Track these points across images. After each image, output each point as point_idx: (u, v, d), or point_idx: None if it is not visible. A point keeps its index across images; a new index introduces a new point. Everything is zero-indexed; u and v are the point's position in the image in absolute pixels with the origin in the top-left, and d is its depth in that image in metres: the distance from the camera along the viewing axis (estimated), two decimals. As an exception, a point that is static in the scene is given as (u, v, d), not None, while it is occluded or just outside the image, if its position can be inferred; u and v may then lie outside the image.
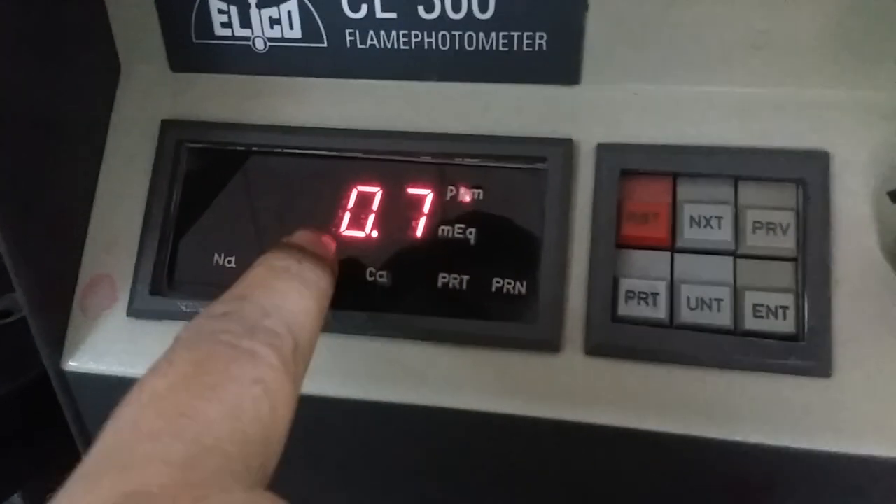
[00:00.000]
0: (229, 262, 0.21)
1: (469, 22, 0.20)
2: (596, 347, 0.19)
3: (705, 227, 0.19)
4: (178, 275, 0.22)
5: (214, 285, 0.21)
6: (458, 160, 0.21)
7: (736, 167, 0.19)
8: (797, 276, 0.19)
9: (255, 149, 0.22)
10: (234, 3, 0.21)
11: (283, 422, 0.14)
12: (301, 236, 0.18)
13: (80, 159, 0.23)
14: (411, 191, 0.21)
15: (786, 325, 0.18)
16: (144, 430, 0.12)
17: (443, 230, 0.20)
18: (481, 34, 0.21)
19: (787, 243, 0.19)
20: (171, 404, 0.13)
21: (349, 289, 0.19)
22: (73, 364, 0.22)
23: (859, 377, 0.18)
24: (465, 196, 0.21)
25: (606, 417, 0.19)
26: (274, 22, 0.21)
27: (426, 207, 0.21)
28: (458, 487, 0.22)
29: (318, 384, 0.19)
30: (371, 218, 0.21)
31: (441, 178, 0.21)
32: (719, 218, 0.19)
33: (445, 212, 0.21)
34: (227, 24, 0.22)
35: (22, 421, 0.30)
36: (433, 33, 0.21)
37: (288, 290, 0.16)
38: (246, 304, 0.15)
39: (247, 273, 0.16)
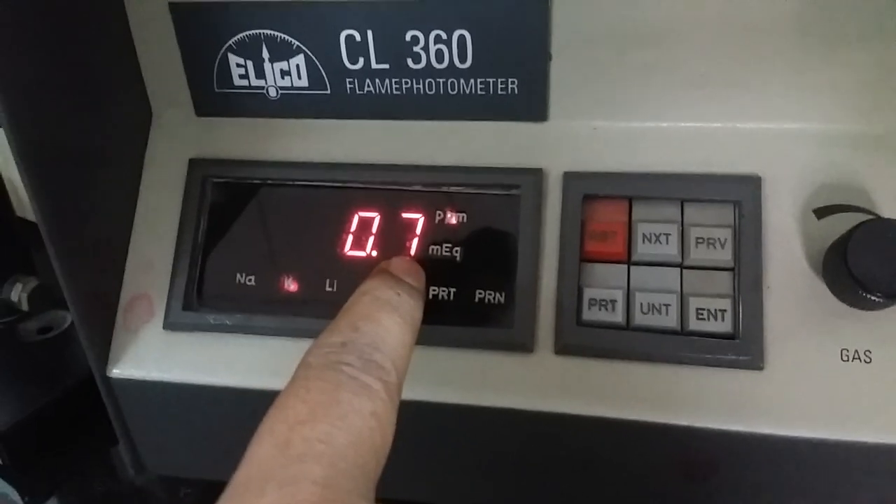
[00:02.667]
0: (250, 280, 0.25)
1: (451, 71, 0.24)
2: (564, 348, 0.22)
3: (656, 243, 0.22)
4: (206, 292, 0.25)
5: (237, 300, 0.24)
6: (444, 188, 0.24)
7: (682, 191, 0.23)
8: (734, 283, 0.22)
9: (269, 182, 0.25)
10: (249, 58, 0.25)
11: (387, 448, 0.16)
12: (399, 265, 0.20)
13: (119, 192, 0.26)
14: (405, 215, 0.24)
15: (724, 326, 0.21)
16: (293, 452, 0.15)
17: (433, 249, 0.24)
18: (462, 80, 0.24)
19: (724, 256, 0.22)
20: (312, 430, 0.15)
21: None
22: (117, 371, 0.25)
23: (787, 369, 0.21)
24: (452, 219, 0.24)
25: (573, 407, 0.22)
26: (284, 73, 0.25)
27: (418, 230, 0.24)
28: (448, 475, 0.25)
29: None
30: (371, 240, 0.24)
31: (430, 205, 0.24)
32: (667, 235, 0.22)
33: (435, 233, 0.24)
34: (245, 76, 0.25)
35: (59, 428, 0.33)
36: (420, 80, 0.24)
37: (391, 325, 0.18)
38: (359, 337, 0.17)
39: (354, 301, 0.18)
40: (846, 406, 0.21)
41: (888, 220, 0.19)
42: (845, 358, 0.21)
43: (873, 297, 0.19)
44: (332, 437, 0.15)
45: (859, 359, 0.21)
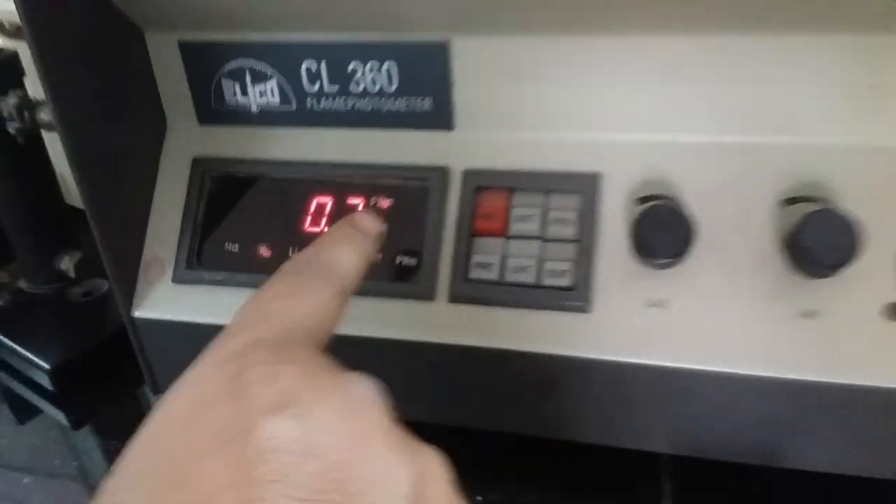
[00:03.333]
0: (235, 248, 0.34)
1: (382, 92, 0.32)
2: (455, 297, 0.31)
3: (525, 222, 0.31)
4: (204, 256, 0.34)
5: (226, 262, 0.33)
6: (377, 181, 0.33)
7: (546, 184, 0.31)
8: (576, 251, 0.30)
9: (251, 175, 0.34)
10: (237, 82, 0.34)
11: (331, 331, 0.22)
12: (360, 215, 0.25)
13: (141, 182, 0.35)
14: (350, 201, 0.33)
15: (565, 282, 0.30)
16: (259, 314, 0.20)
17: None
18: (390, 99, 0.32)
19: (571, 231, 0.30)
20: (276, 301, 0.20)
21: None
22: (139, 313, 0.34)
23: (608, 313, 0.29)
24: (383, 203, 0.33)
25: (461, 340, 0.30)
26: (262, 94, 0.34)
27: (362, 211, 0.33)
28: None
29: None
30: (324, 219, 0.33)
31: (367, 193, 0.33)
32: (533, 216, 0.31)
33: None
34: (234, 95, 0.34)
35: (97, 367, 0.42)
36: (360, 99, 0.33)
37: (349, 253, 0.23)
38: (323, 256, 0.23)
39: (324, 235, 0.24)
40: (649, 339, 0.29)
41: (665, 204, 0.27)
42: (648, 304, 0.29)
43: (657, 261, 0.27)
44: (290, 307, 0.20)
45: (658, 305, 0.29)
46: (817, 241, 0.26)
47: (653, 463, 0.34)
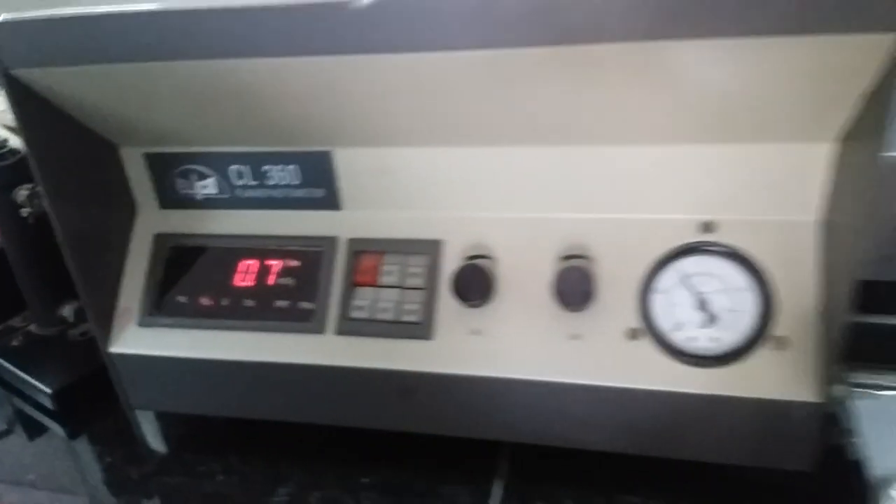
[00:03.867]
0: (184, 299, 0.46)
1: (289, 185, 0.45)
2: (340, 331, 0.43)
3: (390, 275, 0.43)
4: (161, 306, 0.46)
5: (177, 310, 0.46)
6: (287, 247, 0.45)
7: (404, 248, 0.43)
8: (424, 296, 0.42)
9: (198, 245, 0.47)
10: (186, 179, 0.46)
11: None
12: None
13: (117, 253, 0.47)
14: (267, 262, 0.45)
15: (415, 318, 0.42)
16: None
17: (281, 280, 0.45)
18: (296, 190, 0.45)
19: (420, 282, 0.42)
20: None
21: (235, 310, 0.44)
22: (113, 349, 0.46)
23: (445, 339, 0.41)
24: (292, 264, 0.45)
25: (344, 362, 0.42)
26: (204, 187, 0.46)
27: (275, 270, 0.45)
28: (277, 400, 0.46)
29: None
30: (249, 275, 0.45)
31: (281, 256, 0.45)
32: (395, 271, 0.43)
33: (283, 272, 0.45)
34: (185, 188, 0.47)
35: (90, 390, 0.54)
36: (274, 190, 0.45)
37: None
38: None
39: None
40: (472, 357, 0.41)
41: (474, 263, 0.40)
42: (471, 332, 0.41)
43: (471, 302, 0.40)
44: None
45: (478, 333, 0.41)
46: (563, 287, 0.38)
47: (495, 448, 0.46)
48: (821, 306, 0.37)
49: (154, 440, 0.51)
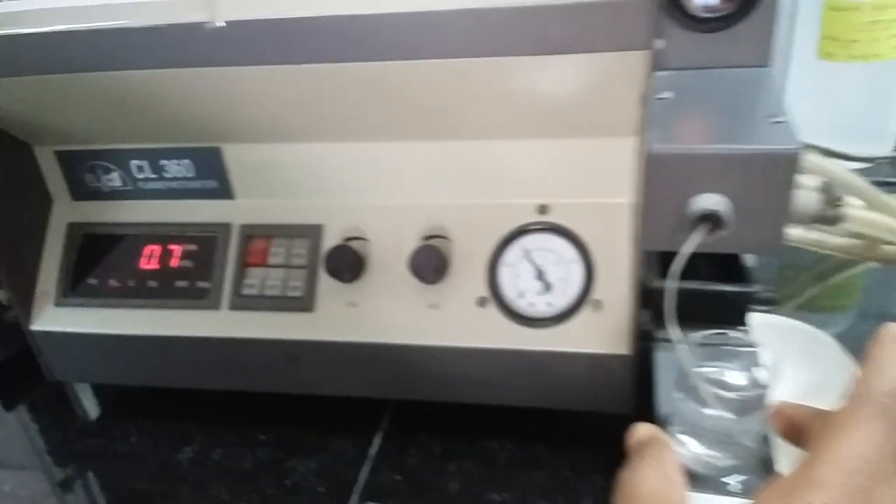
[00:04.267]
0: (94, 282, 0.51)
1: (185, 178, 0.50)
2: (233, 307, 0.49)
3: (277, 257, 0.49)
4: (75, 289, 0.52)
5: (88, 292, 0.51)
6: (186, 233, 0.51)
7: (289, 232, 0.49)
8: (306, 275, 0.48)
9: (106, 234, 0.52)
10: (94, 174, 0.52)
11: None
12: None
13: (36, 242, 0.53)
14: (170, 247, 0.51)
15: (299, 293, 0.48)
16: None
17: (181, 263, 0.50)
18: (191, 181, 0.50)
19: (303, 262, 0.48)
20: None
21: (140, 290, 0.49)
22: (34, 327, 0.52)
23: (325, 311, 0.47)
24: (191, 248, 0.51)
25: (238, 334, 0.48)
26: (109, 181, 0.52)
27: (175, 254, 0.51)
28: (181, 369, 0.52)
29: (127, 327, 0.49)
30: (153, 259, 0.51)
31: (180, 242, 0.51)
32: (281, 253, 0.49)
33: (182, 255, 0.51)
34: (94, 182, 0.52)
35: (23, 365, 0.59)
36: (171, 182, 0.51)
37: None
38: None
39: None
40: (348, 326, 0.47)
41: (344, 245, 0.46)
42: (347, 305, 0.47)
43: (344, 278, 0.46)
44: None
45: (353, 305, 0.47)
46: (416, 264, 0.44)
47: (379, 405, 0.52)
48: (631, 274, 0.43)
49: (84, 408, 0.56)
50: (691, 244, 0.37)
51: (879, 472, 0.24)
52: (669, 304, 0.37)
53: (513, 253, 0.46)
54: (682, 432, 0.37)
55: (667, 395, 0.40)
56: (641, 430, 0.35)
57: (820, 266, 0.66)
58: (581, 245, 0.45)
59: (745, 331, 0.39)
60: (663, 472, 0.31)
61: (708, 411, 0.35)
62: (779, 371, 0.35)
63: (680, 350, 0.36)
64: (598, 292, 0.44)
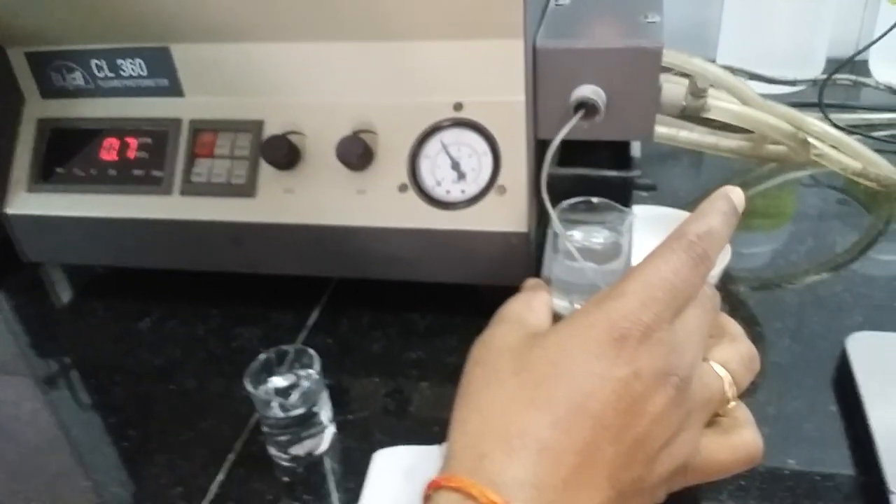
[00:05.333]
0: (62, 170, 0.57)
1: (139, 77, 0.56)
2: (183, 192, 0.55)
3: (223, 148, 0.55)
4: (45, 175, 0.57)
5: (57, 179, 0.57)
6: (141, 127, 0.56)
7: (234, 127, 0.55)
8: (249, 165, 0.54)
9: (72, 128, 0.58)
10: (59, 73, 0.57)
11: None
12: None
13: (11, 133, 0.58)
14: (127, 139, 0.57)
15: (242, 181, 0.54)
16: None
17: (137, 154, 0.56)
18: (144, 80, 0.56)
19: (247, 154, 0.54)
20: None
21: (102, 178, 0.55)
22: (8, 211, 0.58)
23: (265, 197, 0.54)
24: (145, 140, 0.56)
25: (188, 216, 0.55)
26: (74, 79, 0.57)
27: (132, 146, 0.56)
28: (141, 250, 0.58)
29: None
30: (112, 151, 0.57)
31: (136, 135, 0.56)
32: (227, 145, 0.55)
33: (140, 147, 0.56)
34: (60, 81, 0.57)
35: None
36: (127, 80, 0.56)
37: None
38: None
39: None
40: (287, 209, 0.53)
41: (281, 134, 0.52)
42: (285, 191, 0.53)
43: (280, 167, 0.52)
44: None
45: (291, 191, 0.53)
46: (342, 151, 0.50)
47: (321, 282, 0.59)
48: (527, 162, 0.50)
49: (57, 291, 0.63)
50: (567, 128, 0.43)
51: (678, 291, 0.30)
52: (542, 180, 0.43)
53: (432, 146, 0.52)
54: (558, 289, 0.44)
55: (548, 264, 0.46)
56: (528, 281, 0.41)
57: (739, 179, 0.72)
58: (490, 138, 0.51)
59: (606, 201, 0.45)
60: (529, 303, 0.37)
61: (575, 264, 0.41)
62: (632, 225, 0.41)
63: (552, 217, 0.42)
64: (502, 178, 0.50)
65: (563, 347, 0.29)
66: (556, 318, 0.42)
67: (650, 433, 0.27)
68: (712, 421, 0.32)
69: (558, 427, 0.26)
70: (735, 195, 0.33)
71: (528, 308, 0.36)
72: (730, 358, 0.32)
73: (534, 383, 0.28)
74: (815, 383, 0.46)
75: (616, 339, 0.28)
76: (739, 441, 0.31)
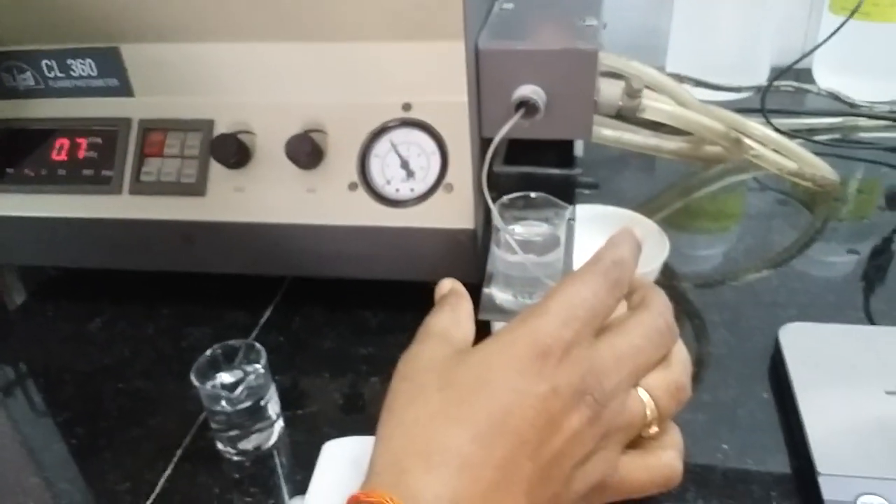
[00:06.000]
0: (12, 171, 0.57)
1: (90, 76, 0.56)
2: (133, 192, 0.55)
3: (173, 148, 0.55)
4: (-7, 176, 0.57)
5: (8, 179, 0.57)
6: (92, 127, 0.56)
7: (184, 126, 0.55)
8: (199, 163, 0.54)
9: (23, 128, 0.57)
10: (10, 74, 0.57)
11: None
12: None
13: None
14: (77, 140, 0.57)
15: (192, 180, 0.54)
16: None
17: (87, 154, 0.56)
18: (95, 80, 0.56)
19: (197, 152, 0.55)
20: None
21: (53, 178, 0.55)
22: (-45, 212, 0.58)
23: (216, 196, 0.54)
24: (95, 140, 0.56)
25: (138, 215, 0.55)
26: (24, 80, 0.57)
27: (82, 146, 0.56)
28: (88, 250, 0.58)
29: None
30: (63, 151, 0.57)
31: (86, 135, 0.56)
32: (177, 144, 0.55)
33: (88, 147, 0.56)
34: (11, 81, 0.57)
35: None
36: (78, 80, 0.56)
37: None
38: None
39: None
40: (238, 208, 0.54)
41: (229, 133, 0.52)
42: (236, 190, 0.54)
43: (229, 165, 0.52)
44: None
45: (241, 191, 0.54)
46: (291, 150, 0.51)
47: (276, 281, 0.59)
48: (473, 160, 0.51)
49: (12, 295, 0.62)
50: (508, 126, 0.44)
51: (596, 311, 0.31)
52: (483, 178, 0.44)
53: (381, 145, 0.53)
54: (501, 282, 0.45)
55: (493, 261, 0.48)
56: (445, 284, 0.42)
57: (688, 181, 0.74)
58: (438, 137, 0.52)
59: (544, 196, 0.46)
60: (454, 316, 0.38)
61: (516, 257, 0.42)
62: (572, 218, 0.43)
63: (493, 211, 0.43)
64: (450, 177, 0.51)
65: (487, 363, 0.30)
66: (500, 310, 0.44)
67: (566, 450, 0.28)
68: (638, 441, 0.32)
69: (478, 442, 0.27)
70: (637, 232, 0.35)
71: (454, 322, 0.36)
72: (657, 385, 0.32)
73: (457, 399, 0.28)
74: (750, 372, 0.47)
75: (538, 355, 0.28)
76: (657, 463, 0.32)
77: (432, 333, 0.36)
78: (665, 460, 0.32)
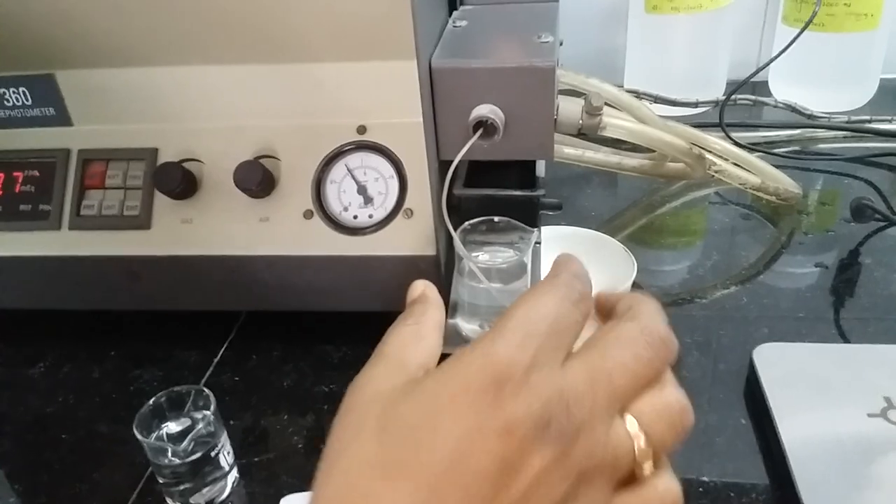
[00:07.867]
0: (-62, 207, 0.53)
1: (24, 106, 0.53)
2: (73, 227, 0.52)
3: (114, 179, 0.52)
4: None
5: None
6: (29, 159, 0.53)
7: (124, 155, 0.52)
8: (143, 195, 0.51)
9: (-51, 161, 0.54)
10: (-67, 103, 0.53)
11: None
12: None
13: None
14: (13, 174, 0.53)
15: (136, 212, 0.51)
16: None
17: (23, 188, 0.53)
18: (30, 109, 0.53)
19: (140, 183, 0.52)
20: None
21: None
22: None
23: (161, 229, 0.51)
24: (32, 173, 0.53)
25: (78, 252, 0.51)
26: (6, 99, 0.53)
27: (19, 180, 0.53)
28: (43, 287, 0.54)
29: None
30: (2, 185, 0.53)
31: (23, 168, 0.53)
32: (119, 175, 0.52)
33: (24, 181, 0.53)
34: (-67, 111, 0.54)
35: None
36: (12, 110, 0.53)
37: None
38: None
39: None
40: (186, 241, 0.51)
41: (171, 163, 0.49)
42: (182, 221, 0.51)
43: (172, 195, 0.49)
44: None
45: (188, 222, 0.51)
46: (239, 178, 0.48)
47: (229, 316, 0.56)
48: (432, 184, 0.49)
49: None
50: (466, 148, 0.42)
51: (561, 327, 0.27)
52: (442, 202, 0.42)
53: (337, 170, 0.51)
54: (467, 312, 0.43)
55: (456, 287, 0.45)
56: (416, 287, 0.37)
57: (650, 198, 0.73)
58: (395, 161, 0.50)
59: (508, 220, 0.44)
60: (417, 329, 0.32)
61: (480, 285, 0.40)
62: (538, 243, 0.41)
63: (454, 238, 0.41)
64: (409, 201, 0.49)
65: (434, 399, 0.26)
66: (467, 342, 0.41)
67: (530, 498, 0.23)
68: (632, 479, 0.26)
69: (420, 499, 0.23)
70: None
71: (415, 338, 0.32)
72: (648, 410, 0.26)
73: (397, 445, 0.25)
74: (725, 397, 0.46)
75: (491, 383, 0.24)
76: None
77: (385, 354, 0.31)
78: None
